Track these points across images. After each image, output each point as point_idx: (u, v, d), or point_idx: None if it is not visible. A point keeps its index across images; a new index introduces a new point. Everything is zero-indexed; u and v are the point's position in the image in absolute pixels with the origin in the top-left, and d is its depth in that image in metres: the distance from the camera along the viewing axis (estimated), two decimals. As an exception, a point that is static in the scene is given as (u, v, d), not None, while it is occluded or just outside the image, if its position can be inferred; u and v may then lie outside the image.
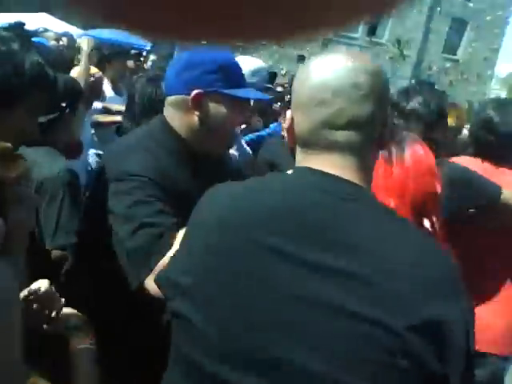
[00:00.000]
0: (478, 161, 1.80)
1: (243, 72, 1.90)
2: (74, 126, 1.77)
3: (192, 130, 1.18)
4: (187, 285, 0.72)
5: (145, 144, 1.18)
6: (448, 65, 22.99)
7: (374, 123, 0.74)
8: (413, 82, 22.01)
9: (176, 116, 1.19)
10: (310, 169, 0.74)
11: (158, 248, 1.00)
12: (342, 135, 0.73)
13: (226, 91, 1.16)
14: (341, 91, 0.72)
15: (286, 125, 0.81)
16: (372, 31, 22.22)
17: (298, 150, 0.79)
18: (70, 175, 1.60)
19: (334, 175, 0.73)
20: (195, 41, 0.16)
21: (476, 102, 19.16)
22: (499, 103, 1.90)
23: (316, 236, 0.68)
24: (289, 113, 0.80)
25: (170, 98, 1.20)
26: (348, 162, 0.73)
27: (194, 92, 1.14)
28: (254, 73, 2.14)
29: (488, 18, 22.47)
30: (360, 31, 21.98)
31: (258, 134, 2.96)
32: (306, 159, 0.76)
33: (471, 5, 22.33)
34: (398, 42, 21.97)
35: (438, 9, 22.11)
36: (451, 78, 22.97)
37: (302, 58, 21.77)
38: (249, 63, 2.19)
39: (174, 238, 1.00)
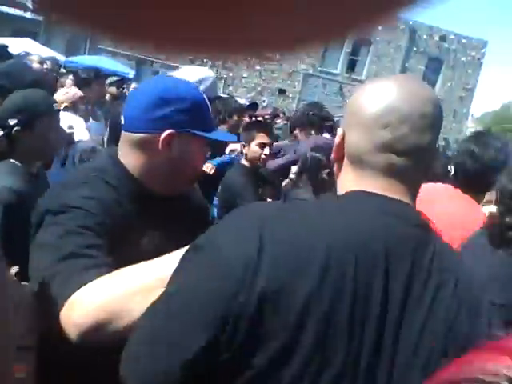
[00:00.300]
0: (457, 190, 1.81)
1: (191, 80, 1.79)
2: (32, 143, 1.70)
3: (152, 170, 1.10)
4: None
5: (91, 181, 1.07)
6: (424, 102, 23.64)
7: (429, 152, 0.77)
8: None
9: (134, 155, 1.09)
10: (368, 193, 0.74)
11: (79, 279, 0.88)
12: (400, 160, 0.74)
13: (199, 133, 1.09)
14: (408, 118, 0.73)
15: (336, 140, 0.81)
16: (351, 68, 22.83)
17: (348, 168, 0.79)
18: (5, 195, 1.49)
19: (398, 200, 0.74)
20: (173, 51, 0.15)
21: (452, 139, 19.70)
22: (478, 136, 1.97)
23: (402, 264, 0.69)
24: (340, 130, 0.80)
25: (132, 136, 1.08)
26: (402, 186, 0.75)
27: (166, 132, 1.05)
28: (201, 81, 2.20)
29: (462, 58, 23.34)
30: (339, 67, 22.56)
31: (220, 160, 2.97)
32: (358, 180, 0.76)
33: (446, 45, 23.20)
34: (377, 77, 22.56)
35: (414, 48, 22.89)
36: (428, 114, 23.59)
37: (282, 92, 22.15)
38: (196, 72, 2.30)
39: (99, 275, 0.88)
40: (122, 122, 1.11)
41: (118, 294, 0.82)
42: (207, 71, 2.39)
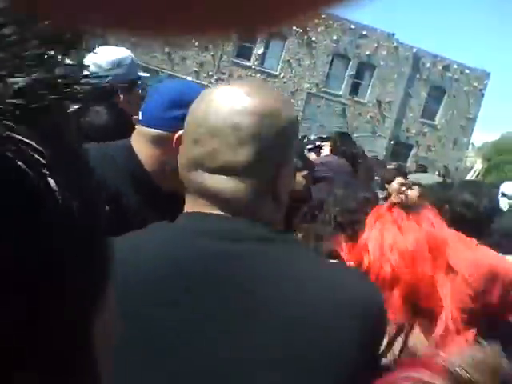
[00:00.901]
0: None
1: (104, 62, 1.85)
2: None
3: (162, 165, 1.14)
4: None
5: (98, 156, 1.08)
6: (426, 129, 23.85)
7: (256, 170, 0.66)
8: (392, 142, 22.80)
9: (147, 149, 1.15)
10: (191, 213, 0.69)
11: None
12: (212, 179, 0.66)
13: None
14: (218, 131, 0.65)
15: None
16: (354, 90, 22.99)
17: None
18: None
19: (220, 215, 0.66)
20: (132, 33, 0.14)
21: (452, 167, 19.79)
22: (472, 186, 2.15)
23: (218, 285, 0.63)
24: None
25: (148, 131, 1.14)
26: (220, 208, 0.66)
27: (180, 132, 1.10)
28: (119, 63, 1.94)
29: (465, 88, 23.59)
30: (343, 89, 22.72)
31: None
32: (186, 200, 0.71)
33: (449, 74, 23.47)
34: (379, 102, 22.76)
35: (417, 76, 23.12)
36: (429, 142, 23.78)
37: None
38: (111, 53, 1.96)
39: None
40: (140, 117, 1.16)
41: None
42: (124, 51, 2.05)
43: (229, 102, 0.66)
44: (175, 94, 1.13)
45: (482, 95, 24.22)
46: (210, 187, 0.66)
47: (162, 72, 19.53)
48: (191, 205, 0.69)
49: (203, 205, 0.67)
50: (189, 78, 19.78)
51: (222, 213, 0.66)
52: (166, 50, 20.25)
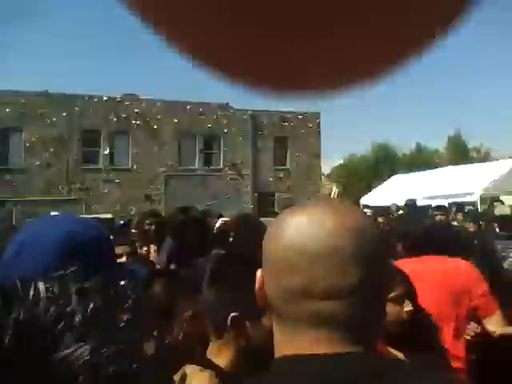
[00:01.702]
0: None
1: None
2: None
3: None
4: None
5: None
6: (281, 175, 25.43)
7: (363, 290, 0.63)
8: (255, 194, 23.83)
9: None
10: (302, 358, 0.63)
11: None
12: (320, 306, 0.62)
13: None
14: (319, 257, 0.63)
15: (256, 285, 0.70)
16: (208, 161, 23.95)
17: (274, 322, 0.69)
18: None
19: (340, 354, 0.62)
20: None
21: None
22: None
23: None
24: (259, 271, 0.70)
25: None
26: (336, 336, 0.63)
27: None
28: None
29: (302, 131, 25.85)
30: (197, 163, 23.54)
31: None
32: (285, 335, 0.67)
33: (286, 123, 25.64)
34: (234, 164, 23.92)
35: (260, 132, 24.90)
36: (288, 184, 25.31)
37: (148, 197, 22.24)
38: None
39: None
40: None
41: None
42: None
43: (322, 225, 0.64)
44: (64, 239, 0.90)
45: (319, 132, 26.68)
46: (322, 314, 0.62)
47: (6, 202, 18.55)
48: (294, 336, 0.64)
49: (315, 336, 0.63)
50: (36, 199, 19.04)
51: (350, 348, 0.62)
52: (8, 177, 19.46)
